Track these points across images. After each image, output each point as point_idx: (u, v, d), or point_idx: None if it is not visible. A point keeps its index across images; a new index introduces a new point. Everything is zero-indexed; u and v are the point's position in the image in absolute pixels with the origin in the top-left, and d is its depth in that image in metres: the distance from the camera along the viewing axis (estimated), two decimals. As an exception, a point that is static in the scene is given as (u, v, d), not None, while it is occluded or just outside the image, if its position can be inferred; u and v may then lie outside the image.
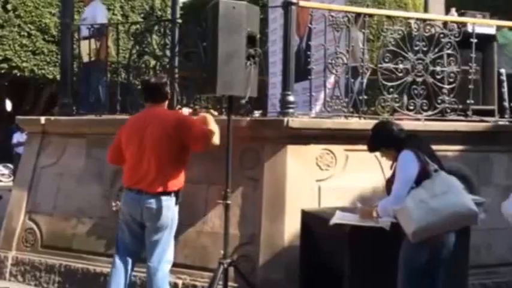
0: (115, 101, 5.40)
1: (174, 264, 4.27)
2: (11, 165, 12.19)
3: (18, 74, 10.99)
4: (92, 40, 5.58)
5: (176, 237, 4.31)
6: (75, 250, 4.75)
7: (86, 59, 5.75)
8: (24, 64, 10.97)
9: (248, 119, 4.28)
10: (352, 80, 4.63)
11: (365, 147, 3.39)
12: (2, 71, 11.05)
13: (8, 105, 15.04)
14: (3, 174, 12.48)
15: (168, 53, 5.46)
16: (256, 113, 4.59)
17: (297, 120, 4.13)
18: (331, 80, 4.65)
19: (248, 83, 3.56)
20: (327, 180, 4.18)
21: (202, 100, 6.06)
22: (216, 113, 5.57)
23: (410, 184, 2.99)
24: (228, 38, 3.50)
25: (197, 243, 4.27)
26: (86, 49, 5.65)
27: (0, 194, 9.99)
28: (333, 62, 4.46)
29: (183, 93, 5.82)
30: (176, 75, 5.34)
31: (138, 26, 5.61)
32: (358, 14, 4.70)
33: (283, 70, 4.34)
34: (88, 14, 6.06)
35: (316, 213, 3.77)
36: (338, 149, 4.21)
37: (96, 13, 6.21)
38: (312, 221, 3.75)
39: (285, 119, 4.07)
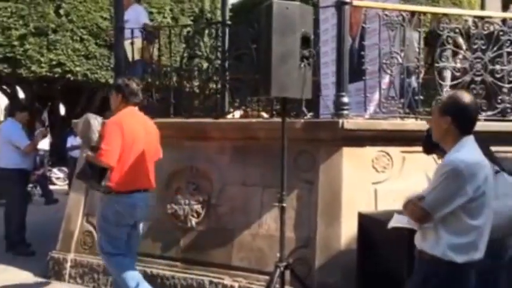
0: (168, 104, 5.61)
1: (230, 267, 4.47)
2: (65, 169, 12.75)
3: (72, 79, 11.50)
4: (138, 40, 5.81)
5: (231, 239, 4.50)
6: (132, 252, 4.97)
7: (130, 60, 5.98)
8: (78, 68, 11.48)
9: (302, 121, 4.39)
10: (408, 80, 4.65)
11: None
12: (56, 76, 11.60)
13: (62, 110, 15.70)
14: (58, 178, 13.05)
15: (219, 55, 5.63)
16: (309, 115, 4.68)
17: (352, 122, 4.20)
18: (386, 80, 4.69)
19: (302, 84, 3.65)
20: (383, 183, 4.23)
21: (254, 102, 6.21)
22: (266, 115, 5.72)
23: None
24: (281, 39, 3.58)
25: (253, 246, 4.41)
26: (129, 50, 5.88)
27: (56, 197, 10.54)
28: (388, 62, 4.51)
29: (235, 95, 6.00)
30: (228, 78, 5.50)
31: (189, 28, 5.77)
32: (413, 13, 4.72)
33: (337, 71, 4.42)
34: (130, 16, 6.23)
35: (373, 216, 3.83)
36: (394, 150, 4.26)
37: (139, 15, 6.47)
38: (369, 224, 3.81)
39: (340, 120, 4.15)
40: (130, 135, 3.98)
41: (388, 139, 4.23)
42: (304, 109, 4.32)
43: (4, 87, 14.76)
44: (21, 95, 14.83)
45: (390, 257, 3.56)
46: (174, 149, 5.03)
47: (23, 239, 6.47)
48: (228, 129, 4.88)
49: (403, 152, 4.22)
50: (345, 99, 4.34)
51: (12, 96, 14.61)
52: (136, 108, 4.22)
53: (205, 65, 5.63)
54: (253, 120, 5.02)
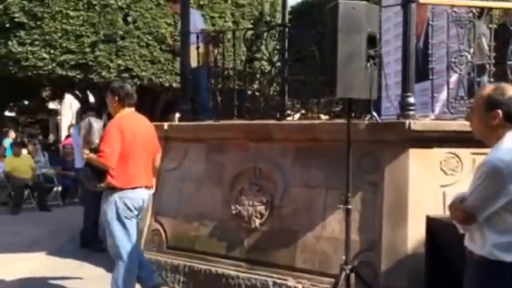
0: (231, 106, 5.67)
1: (294, 268, 4.43)
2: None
3: (138, 83, 11.83)
4: (201, 45, 5.89)
5: (295, 241, 4.47)
6: (198, 251, 5.02)
7: (194, 64, 6.07)
8: (143, 73, 11.79)
9: (367, 122, 4.29)
10: (478, 79, 4.45)
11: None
12: (123, 81, 11.97)
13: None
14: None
15: (281, 57, 5.63)
16: (376, 116, 4.56)
17: (419, 123, 4.06)
18: (454, 79, 4.51)
19: (369, 84, 3.58)
20: (452, 186, 4.04)
21: (314, 104, 6.15)
22: (325, 117, 5.65)
23: None
24: (347, 40, 3.53)
25: (316, 248, 4.35)
26: (194, 55, 5.98)
27: None
28: (457, 60, 4.33)
29: (296, 97, 5.97)
30: (289, 79, 5.48)
31: (251, 32, 5.80)
32: (483, 9, 4.51)
33: (403, 70, 4.29)
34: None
35: (442, 219, 3.67)
36: (464, 152, 4.08)
37: (196, 20, 6.53)
38: (438, 228, 3.67)
39: (407, 121, 4.03)
40: (131, 135, 4.15)
41: (457, 140, 4.05)
42: (373, 111, 4.21)
43: (76, 92, 15.39)
44: (91, 99, 15.39)
45: (460, 261, 3.42)
46: (238, 151, 5.08)
47: (95, 236, 6.70)
48: (291, 130, 4.85)
49: (473, 153, 4.02)
50: (411, 100, 4.21)
51: (83, 101, 15.20)
52: (133, 109, 4.36)
53: (267, 67, 5.65)
54: (317, 121, 4.97)
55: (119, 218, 4.14)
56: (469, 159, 4.08)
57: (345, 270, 3.69)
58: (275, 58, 5.62)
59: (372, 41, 3.63)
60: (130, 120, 4.27)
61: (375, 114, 4.23)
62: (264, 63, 5.68)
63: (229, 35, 6.54)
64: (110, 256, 5.60)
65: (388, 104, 4.81)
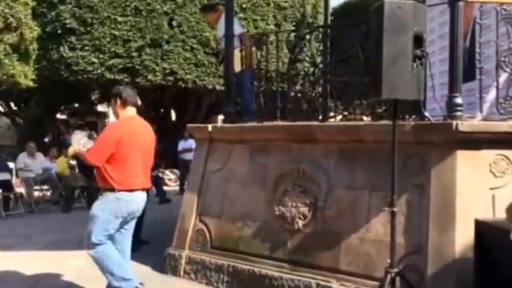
0: (275, 107, 5.65)
1: (337, 271, 4.37)
2: (177, 171, 13.35)
3: (183, 86, 12.03)
4: (238, 49, 5.91)
5: (339, 243, 4.41)
6: (241, 252, 5.02)
7: (237, 68, 6.09)
8: (188, 76, 12.00)
9: (412, 123, 4.19)
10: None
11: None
12: (169, 84, 12.20)
13: (173, 115, 16.48)
14: (170, 179, 13.72)
15: (323, 59, 5.56)
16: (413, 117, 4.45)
17: (467, 124, 3.92)
18: (503, 78, 4.35)
19: (416, 85, 3.49)
20: (502, 189, 3.90)
21: (357, 106, 6.04)
22: (367, 119, 5.54)
23: None
24: (393, 39, 3.45)
25: (360, 251, 4.28)
26: (237, 58, 6.00)
27: (169, 197, 11.06)
28: (506, 59, 4.17)
29: (339, 98, 5.89)
30: (332, 81, 5.41)
31: (293, 34, 5.78)
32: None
33: (450, 71, 4.15)
34: (221, 25, 6.31)
35: (492, 223, 3.55)
36: (515, 154, 3.93)
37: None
38: (488, 232, 3.53)
39: (454, 122, 3.90)
40: (131, 137, 4.18)
41: (507, 142, 3.90)
42: (425, 112, 4.10)
43: (123, 95, 15.76)
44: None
45: (511, 267, 3.29)
46: (281, 152, 5.06)
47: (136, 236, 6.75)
48: (334, 131, 4.79)
49: (524, 155, 3.87)
50: (459, 100, 4.07)
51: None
52: (135, 110, 4.39)
53: (310, 69, 5.60)
54: (361, 123, 4.89)
55: (110, 213, 4.19)
56: (520, 161, 3.92)
57: (390, 274, 3.60)
58: (318, 59, 5.56)
59: (419, 41, 3.54)
60: (132, 123, 4.32)
61: (427, 114, 4.11)
62: (307, 64, 5.62)
63: (272, 38, 6.54)
64: (157, 254, 5.75)
65: (434, 104, 4.68)
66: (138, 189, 4.24)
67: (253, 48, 6.13)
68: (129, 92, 4.38)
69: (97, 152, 4.18)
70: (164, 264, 5.58)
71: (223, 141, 5.61)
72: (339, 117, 5.90)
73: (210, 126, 5.70)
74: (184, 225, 5.60)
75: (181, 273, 5.40)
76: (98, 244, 4.22)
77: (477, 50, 4.35)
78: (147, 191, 4.52)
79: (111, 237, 4.31)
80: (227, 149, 5.53)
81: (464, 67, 4.51)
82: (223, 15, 6.63)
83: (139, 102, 4.51)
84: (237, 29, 6.42)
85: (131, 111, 4.35)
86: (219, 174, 5.52)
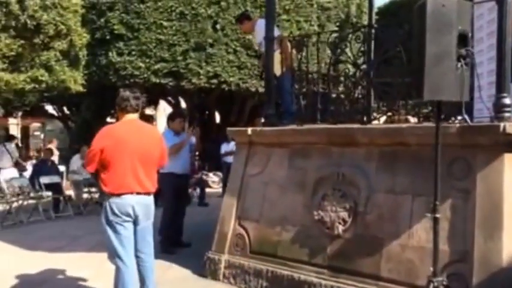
0: (314, 110, 5.57)
1: (378, 278, 4.25)
2: (220, 173, 13.44)
3: (226, 88, 12.10)
4: (277, 52, 5.87)
5: (380, 249, 4.29)
6: (280, 257, 4.96)
7: (277, 71, 6.04)
8: (231, 79, 12.06)
9: (458, 125, 4.02)
10: None
11: None
12: (213, 86, 12.31)
13: (217, 118, 16.63)
14: (213, 182, 13.82)
15: (366, 59, 5.44)
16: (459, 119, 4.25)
17: (515, 126, 3.74)
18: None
19: (460, 86, 3.34)
20: (553, 194, 3.69)
21: (402, 107, 5.87)
22: (414, 120, 5.37)
23: None
24: (436, 39, 3.31)
25: (402, 258, 4.14)
26: (277, 61, 5.95)
27: (206, 201, 11.13)
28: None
29: (382, 99, 5.74)
30: (375, 82, 5.29)
31: (335, 34, 5.68)
32: None
33: (498, 69, 3.97)
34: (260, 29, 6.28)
35: (542, 231, 3.35)
36: None
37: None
38: (538, 241, 3.35)
39: (501, 124, 3.71)
40: (117, 142, 4.16)
41: (559, 144, 3.69)
42: (465, 115, 3.93)
43: (169, 98, 16.04)
44: (183, 105, 15.96)
45: None
46: (321, 155, 4.98)
47: (168, 237, 6.78)
48: (376, 134, 4.66)
49: None
50: (507, 101, 3.89)
51: (175, 107, 15.80)
52: (135, 115, 4.34)
53: (352, 70, 5.50)
54: (403, 125, 4.74)
55: (108, 222, 4.19)
56: None
57: (433, 283, 3.46)
58: (360, 60, 5.43)
59: (464, 40, 3.39)
60: (124, 127, 4.29)
61: (466, 116, 3.94)
62: (348, 66, 5.50)
63: (314, 39, 6.45)
64: (198, 258, 5.77)
65: (481, 105, 4.48)
66: (128, 193, 4.15)
67: (294, 51, 6.06)
68: (123, 95, 4.31)
69: (87, 159, 4.31)
70: (204, 268, 5.59)
71: (262, 144, 5.57)
72: (383, 118, 5.77)
73: (249, 130, 5.67)
74: (223, 229, 5.59)
75: (221, 277, 5.41)
76: (118, 259, 4.22)
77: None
78: (153, 194, 4.38)
79: (129, 249, 4.23)
80: (266, 152, 5.49)
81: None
82: (257, 22, 6.70)
83: (139, 107, 4.39)
84: (276, 31, 6.40)
85: (130, 115, 4.32)
86: (258, 178, 5.49)
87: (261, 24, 6.43)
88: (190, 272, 5.80)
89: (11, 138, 13.90)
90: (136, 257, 4.29)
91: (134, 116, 4.34)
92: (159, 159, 4.43)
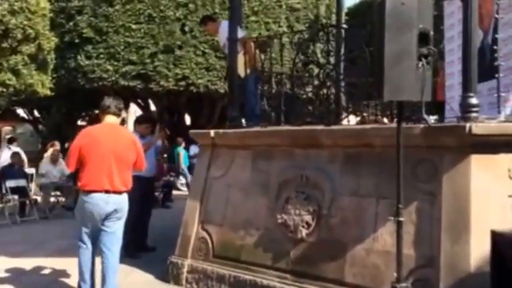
0: (279, 112, 5.30)
1: (342, 283, 3.98)
2: (189, 175, 13.09)
3: (194, 91, 11.80)
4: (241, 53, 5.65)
5: (344, 253, 4.02)
6: (244, 261, 4.70)
7: (241, 73, 5.79)
8: (199, 81, 11.74)
9: (422, 126, 3.77)
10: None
11: None
12: (181, 89, 11.98)
13: (187, 120, 16.29)
14: (182, 184, 13.46)
15: (332, 60, 5.19)
16: (432, 119, 4.03)
17: (482, 126, 3.51)
18: (524, 77, 3.92)
19: (421, 85, 3.10)
20: (522, 196, 3.48)
21: (372, 107, 5.65)
22: (386, 120, 5.14)
23: None
24: (396, 37, 3.13)
25: (367, 262, 3.89)
26: (240, 63, 5.71)
27: (168, 204, 10.83)
28: (527, 55, 3.74)
29: (348, 100, 5.50)
30: (341, 83, 5.05)
31: (301, 35, 5.43)
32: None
33: (463, 69, 3.76)
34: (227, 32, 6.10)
35: (510, 234, 3.14)
36: (536, 158, 3.49)
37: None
38: (506, 244, 3.15)
39: (467, 124, 3.49)
40: (91, 143, 4.38)
41: (527, 145, 3.48)
42: (424, 115, 3.71)
43: (139, 101, 15.64)
44: (152, 107, 15.58)
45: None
46: (285, 158, 4.72)
47: (133, 241, 6.45)
48: (340, 136, 4.40)
49: (547, 159, 3.43)
50: (473, 101, 3.67)
51: (144, 109, 15.40)
52: (116, 119, 4.59)
53: (317, 70, 5.24)
54: (367, 126, 4.49)
55: (80, 214, 4.47)
56: (542, 165, 3.48)
57: (397, 289, 3.21)
58: (325, 60, 5.17)
59: (425, 39, 3.19)
60: (99, 129, 4.55)
61: (426, 117, 3.71)
62: (313, 66, 5.25)
63: (283, 40, 6.18)
64: (162, 262, 5.45)
65: (451, 105, 4.27)
66: (98, 191, 4.32)
67: (258, 51, 5.77)
68: (104, 102, 4.59)
69: (66, 158, 4.60)
70: (167, 273, 5.30)
71: (226, 146, 5.30)
72: (353, 120, 5.54)
73: (212, 132, 5.39)
74: (186, 233, 5.32)
75: (183, 282, 5.11)
76: (80, 241, 4.51)
77: (495, 47, 3.92)
78: (123, 193, 4.48)
79: (94, 238, 4.48)
80: (230, 154, 5.21)
81: (487, 65, 4.10)
82: (221, 24, 6.51)
83: (123, 113, 4.75)
84: (240, 33, 6.14)
85: (109, 118, 4.56)
86: (221, 181, 5.20)
87: (224, 26, 6.19)
88: (153, 276, 5.52)
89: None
90: (102, 251, 4.46)
91: (114, 120, 4.58)
92: (136, 163, 4.59)
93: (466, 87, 3.72)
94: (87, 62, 12.48)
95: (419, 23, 3.15)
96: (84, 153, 4.33)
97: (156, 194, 9.66)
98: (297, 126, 4.90)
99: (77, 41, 12.72)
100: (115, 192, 4.35)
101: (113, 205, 4.35)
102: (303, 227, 4.30)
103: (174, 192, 11.94)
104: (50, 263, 6.07)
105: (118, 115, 4.61)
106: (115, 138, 4.44)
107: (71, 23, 12.78)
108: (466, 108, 3.67)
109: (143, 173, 6.43)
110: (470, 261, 3.41)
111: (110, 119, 4.55)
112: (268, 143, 4.90)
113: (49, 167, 10.99)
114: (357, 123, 5.52)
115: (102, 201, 4.31)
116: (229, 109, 5.80)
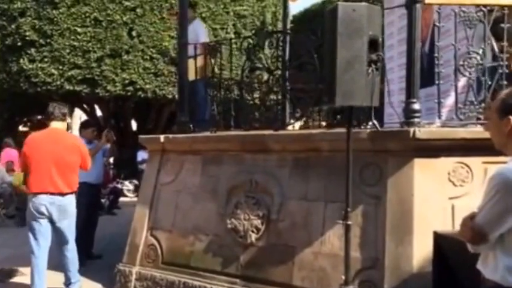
0: (229, 117, 5.26)
1: (291, 286, 3.96)
2: (136, 182, 12.75)
3: (142, 96, 11.52)
4: (199, 58, 5.58)
5: (292, 257, 4.01)
6: (193, 267, 4.60)
7: (191, 77, 5.70)
8: (147, 86, 11.46)
9: (368, 130, 3.83)
10: (490, 83, 3.94)
11: (507, 158, 2.77)
12: (129, 94, 11.66)
13: (133, 125, 15.90)
14: (129, 190, 13.08)
15: (280, 65, 5.20)
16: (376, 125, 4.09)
17: (424, 131, 3.59)
18: (462, 83, 4.04)
19: (371, 91, 3.14)
20: (462, 198, 3.57)
21: (315, 113, 5.70)
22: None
23: None
24: (347, 44, 3.14)
25: (315, 265, 3.89)
26: (192, 67, 5.62)
27: (114, 210, 10.53)
28: (465, 63, 3.86)
29: (296, 106, 5.52)
30: (288, 88, 5.06)
31: (249, 41, 5.40)
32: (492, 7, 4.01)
33: (407, 75, 3.83)
34: (190, 33, 5.94)
35: (451, 236, 3.20)
36: (475, 161, 3.59)
37: (198, 32, 6.27)
38: (447, 245, 3.21)
39: (411, 129, 3.56)
40: (32, 147, 4.58)
41: (466, 149, 3.57)
42: (374, 120, 3.76)
43: (84, 106, 15.11)
44: (99, 113, 15.10)
45: (471, 282, 2.94)
46: (234, 162, 4.68)
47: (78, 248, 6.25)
48: (288, 141, 4.40)
49: (484, 162, 3.53)
50: (416, 106, 3.74)
51: (90, 115, 14.91)
52: (61, 125, 4.75)
53: (266, 76, 5.24)
54: (315, 131, 4.52)
55: (28, 217, 4.62)
56: (480, 168, 3.59)
57: (344, 291, 3.22)
58: (273, 66, 5.17)
59: (374, 45, 3.23)
60: (40, 135, 4.75)
61: (375, 122, 3.77)
62: (262, 72, 5.24)
63: (228, 45, 6.14)
64: (109, 270, 5.25)
65: (392, 110, 4.35)
66: (42, 193, 4.49)
67: (208, 57, 5.70)
68: (48, 109, 4.73)
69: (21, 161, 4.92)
70: (114, 281, 5.12)
71: (175, 152, 5.19)
72: (299, 125, 5.56)
73: (162, 137, 5.28)
74: (135, 240, 5.16)
75: (131, 290, 4.92)
76: (31, 253, 4.58)
77: (435, 54, 4.03)
78: (67, 194, 4.62)
79: (46, 237, 4.60)
80: (179, 160, 5.11)
81: (424, 72, 4.21)
82: (194, 22, 6.43)
83: (67, 118, 4.91)
84: (203, 36, 6.10)
85: (54, 124, 4.70)
86: (171, 187, 5.09)
87: (196, 27, 6.18)
88: (100, 285, 5.35)
89: None
90: (60, 251, 4.68)
91: (59, 125, 4.73)
92: (81, 164, 4.73)
93: (409, 93, 3.79)
94: (30, 66, 11.90)
95: (369, 29, 3.18)
96: (28, 158, 4.54)
97: (103, 200, 9.35)
98: (246, 131, 4.87)
99: (19, 44, 12.11)
100: (59, 193, 4.53)
101: (58, 206, 4.52)
102: (252, 231, 4.26)
103: (122, 198, 11.63)
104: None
105: (63, 120, 4.78)
106: (56, 142, 4.59)
107: (13, 26, 12.17)
108: (409, 114, 3.74)
109: (92, 179, 6.26)
110: (413, 262, 3.47)
111: (55, 125, 4.69)
112: (218, 148, 4.84)
113: (-9, 174, 10.43)
114: (300, 128, 5.56)
115: (47, 202, 4.49)
116: (178, 114, 5.69)
